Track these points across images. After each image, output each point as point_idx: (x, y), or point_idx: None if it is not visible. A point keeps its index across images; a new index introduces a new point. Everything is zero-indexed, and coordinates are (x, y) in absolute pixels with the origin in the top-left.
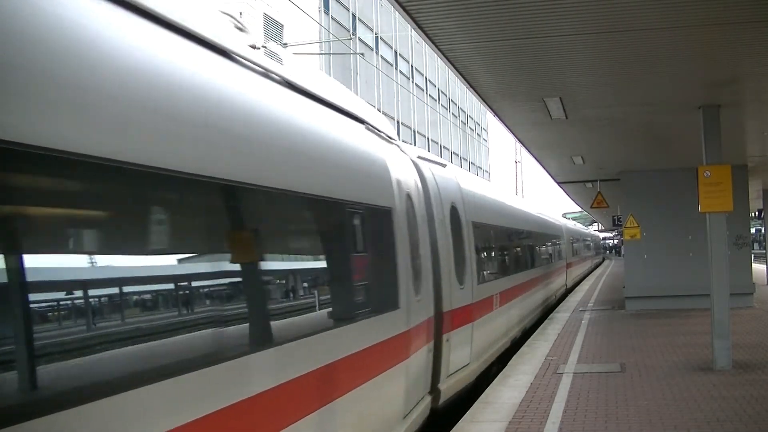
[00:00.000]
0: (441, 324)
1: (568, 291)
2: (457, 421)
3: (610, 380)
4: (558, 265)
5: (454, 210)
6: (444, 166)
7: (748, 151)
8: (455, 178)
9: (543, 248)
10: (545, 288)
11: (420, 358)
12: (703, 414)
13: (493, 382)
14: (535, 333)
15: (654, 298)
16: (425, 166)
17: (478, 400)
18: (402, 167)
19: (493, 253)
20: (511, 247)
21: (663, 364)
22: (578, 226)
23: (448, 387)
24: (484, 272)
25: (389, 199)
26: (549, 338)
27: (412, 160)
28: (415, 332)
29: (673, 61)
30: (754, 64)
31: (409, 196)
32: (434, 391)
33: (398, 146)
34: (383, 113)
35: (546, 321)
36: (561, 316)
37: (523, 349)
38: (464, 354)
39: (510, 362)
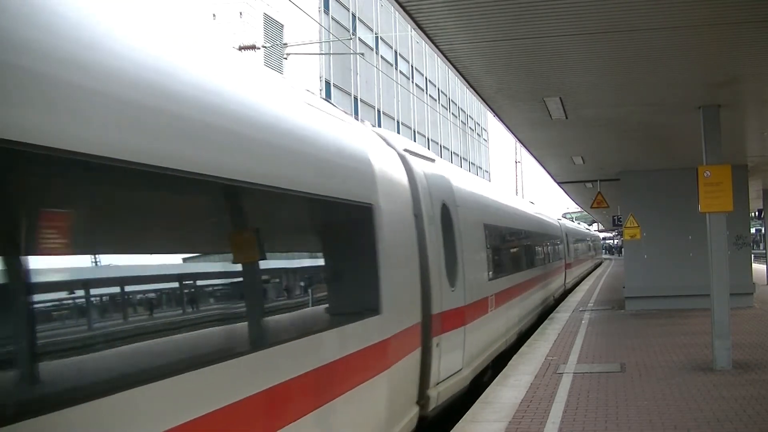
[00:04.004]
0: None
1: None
2: (457, 421)
3: (610, 380)
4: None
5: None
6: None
7: (748, 151)
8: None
9: (581, 246)
10: (587, 263)
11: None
12: (703, 414)
13: (493, 382)
14: (535, 333)
15: (654, 298)
16: None
17: (478, 400)
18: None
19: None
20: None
21: (663, 364)
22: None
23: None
24: (574, 255)
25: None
26: (549, 338)
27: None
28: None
29: (673, 61)
30: (754, 64)
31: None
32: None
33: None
34: (383, 113)
35: (546, 321)
36: (561, 316)
37: (523, 349)
38: (561, 283)
39: (510, 362)
